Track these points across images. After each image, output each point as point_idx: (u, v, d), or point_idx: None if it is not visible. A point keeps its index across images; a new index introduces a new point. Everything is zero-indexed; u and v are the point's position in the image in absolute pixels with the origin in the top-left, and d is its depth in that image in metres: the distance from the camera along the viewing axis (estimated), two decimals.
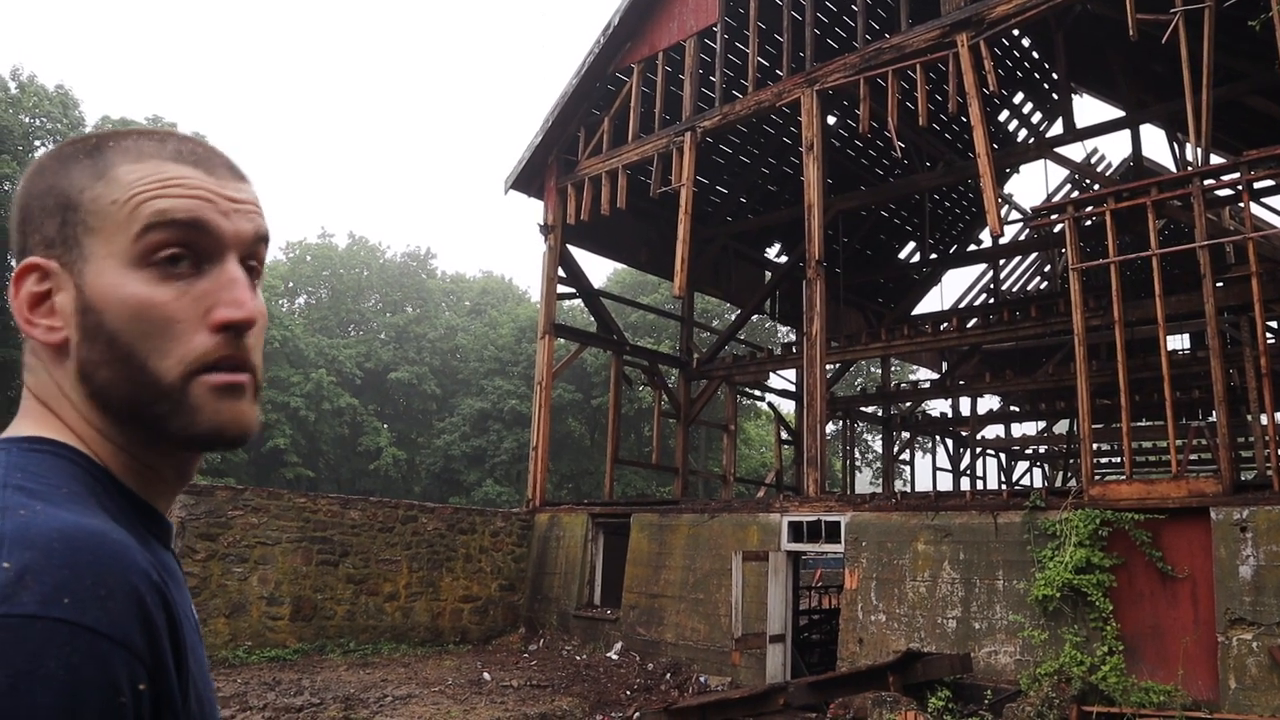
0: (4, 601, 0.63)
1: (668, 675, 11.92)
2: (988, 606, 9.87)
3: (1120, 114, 17.09)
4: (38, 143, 29.09)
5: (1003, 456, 28.09)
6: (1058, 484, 26.64)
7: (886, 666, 9.09)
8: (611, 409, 18.65)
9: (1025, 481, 29.52)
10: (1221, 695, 8.19)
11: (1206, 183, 9.60)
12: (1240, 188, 9.45)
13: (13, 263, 0.86)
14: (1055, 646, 9.14)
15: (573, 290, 18.16)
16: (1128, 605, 9.02)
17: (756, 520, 12.49)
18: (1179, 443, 9.64)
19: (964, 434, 25.19)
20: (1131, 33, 10.28)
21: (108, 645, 0.65)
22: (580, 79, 16.67)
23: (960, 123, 19.45)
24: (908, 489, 33.35)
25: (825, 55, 14.99)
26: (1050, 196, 21.90)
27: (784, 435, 22.09)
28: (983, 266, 24.69)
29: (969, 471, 25.54)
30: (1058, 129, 18.50)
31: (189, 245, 0.82)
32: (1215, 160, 11.72)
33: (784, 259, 22.44)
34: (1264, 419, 10.56)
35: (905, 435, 25.80)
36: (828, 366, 15.52)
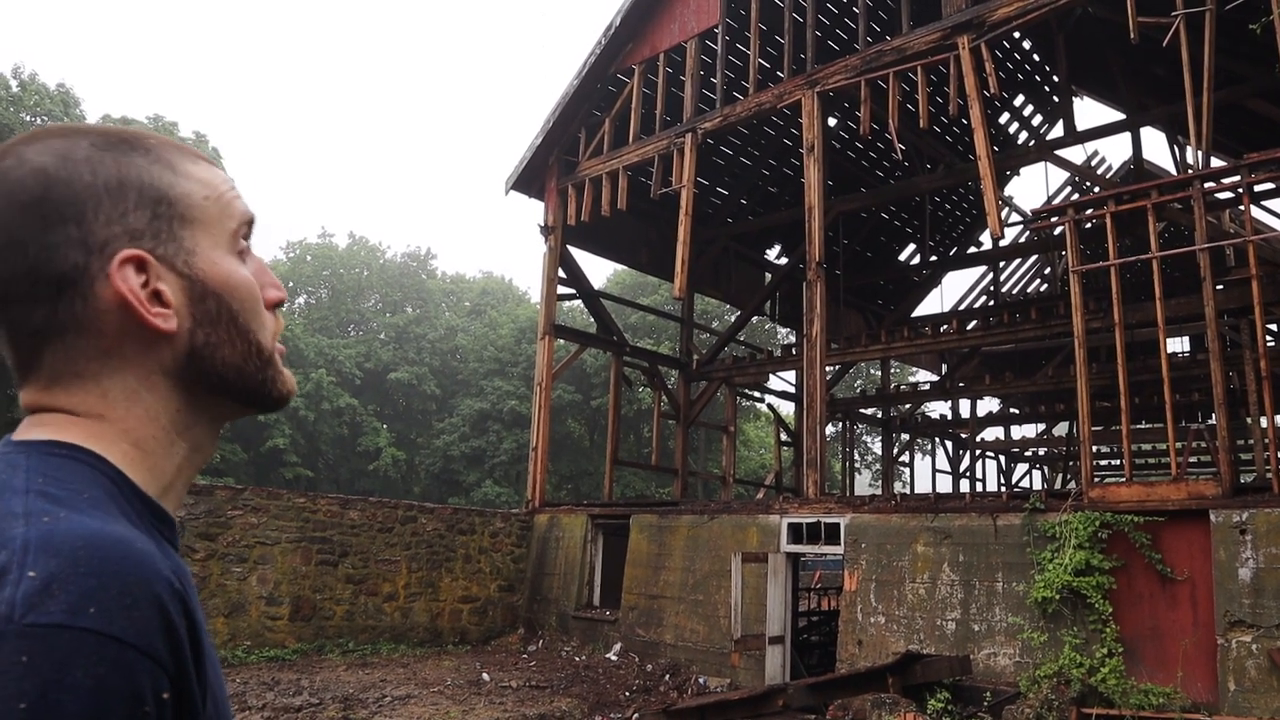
0: (31, 610, 0.63)
1: (667, 676, 11.91)
2: (987, 608, 9.87)
3: (1121, 117, 17.10)
4: None
5: (1002, 458, 28.10)
6: (1057, 486, 26.64)
7: (886, 668, 9.09)
8: (611, 410, 18.65)
9: (1025, 484, 29.53)
10: (1221, 697, 8.19)
11: (1207, 185, 9.61)
12: (1241, 191, 9.46)
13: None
14: (1055, 648, 9.14)
15: (573, 291, 18.17)
16: (1127, 607, 9.02)
17: (756, 522, 12.49)
18: (1179, 445, 9.64)
19: (963, 436, 25.19)
20: (1132, 36, 10.29)
21: (133, 655, 0.66)
22: (581, 80, 16.68)
23: (961, 125, 19.46)
24: (907, 491, 33.34)
25: (826, 57, 15.00)
26: (1050, 199, 21.93)
27: (783, 437, 22.08)
28: (983, 269, 24.71)
29: (969, 473, 25.55)
30: (1058, 131, 18.53)
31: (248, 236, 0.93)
32: (1216, 163, 11.73)
33: (784, 260, 22.44)
34: (1264, 422, 10.56)
35: (905, 437, 25.80)
36: (827, 368, 15.52)
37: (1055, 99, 19.56)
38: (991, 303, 22.90)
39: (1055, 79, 18.62)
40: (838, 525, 11.54)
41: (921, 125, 12.35)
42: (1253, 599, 8.18)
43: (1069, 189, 23.27)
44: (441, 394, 43.44)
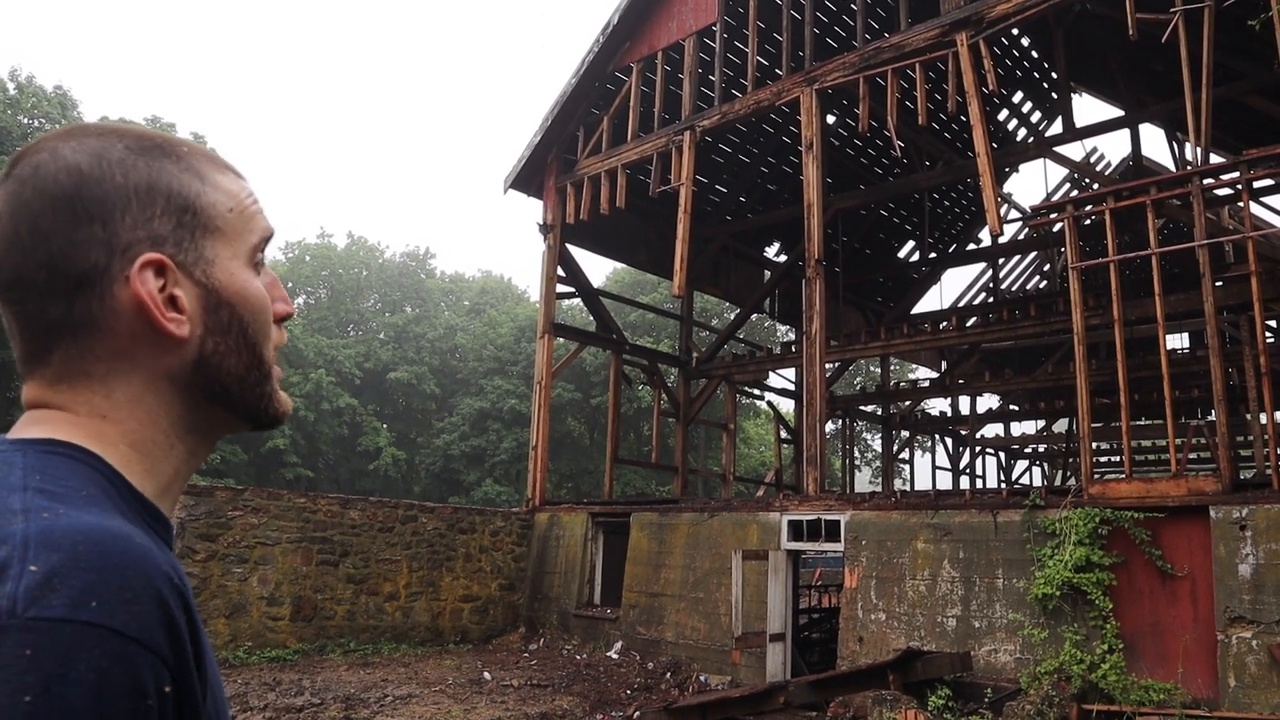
0: (33, 604, 0.64)
1: (668, 674, 11.92)
2: (987, 605, 9.88)
3: (1120, 113, 17.09)
4: None
5: (1002, 455, 28.11)
6: (1057, 483, 26.66)
7: (886, 665, 9.10)
8: (611, 408, 18.65)
9: (1025, 480, 29.55)
10: (1221, 693, 8.20)
11: (1206, 182, 9.61)
12: (1239, 187, 9.46)
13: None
14: (1055, 645, 9.15)
15: (572, 289, 18.16)
16: (1127, 604, 9.03)
17: (756, 519, 12.49)
18: (1178, 441, 9.65)
19: (963, 433, 25.21)
20: (1131, 32, 10.29)
21: (135, 648, 0.66)
22: (579, 78, 16.67)
23: (960, 122, 19.46)
24: (907, 488, 33.33)
25: (825, 54, 14.99)
26: (1050, 196, 21.93)
27: (783, 434, 22.09)
28: (982, 265, 24.71)
29: (968, 470, 25.57)
30: (1057, 128, 18.52)
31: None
32: (1214, 159, 11.72)
33: (783, 258, 22.44)
34: (1263, 418, 10.57)
35: (905, 434, 25.81)
36: (827, 365, 15.53)
37: (1054, 96, 19.55)
38: (991, 300, 22.89)
39: (1054, 75, 18.61)
40: (838, 522, 11.54)
41: (920, 122, 12.35)
42: (1253, 595, 8.19)
43: (1068, 186, 23.27)
44: (441, 393, 43.44)
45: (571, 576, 14.79)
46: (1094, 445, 12.04)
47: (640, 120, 16.05)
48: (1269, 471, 8.68)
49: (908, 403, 24.06)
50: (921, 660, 9.09)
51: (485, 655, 13.24)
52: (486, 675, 11.37)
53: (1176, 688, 8.34)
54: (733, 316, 24.24)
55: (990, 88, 11.61)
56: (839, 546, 11.52)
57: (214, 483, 20.66)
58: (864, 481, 41.85)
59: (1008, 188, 24.03)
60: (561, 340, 18.11)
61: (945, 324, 16.89)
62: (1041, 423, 26.55)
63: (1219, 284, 11.66)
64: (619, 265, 36.70)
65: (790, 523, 12.10)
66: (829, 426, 31.00)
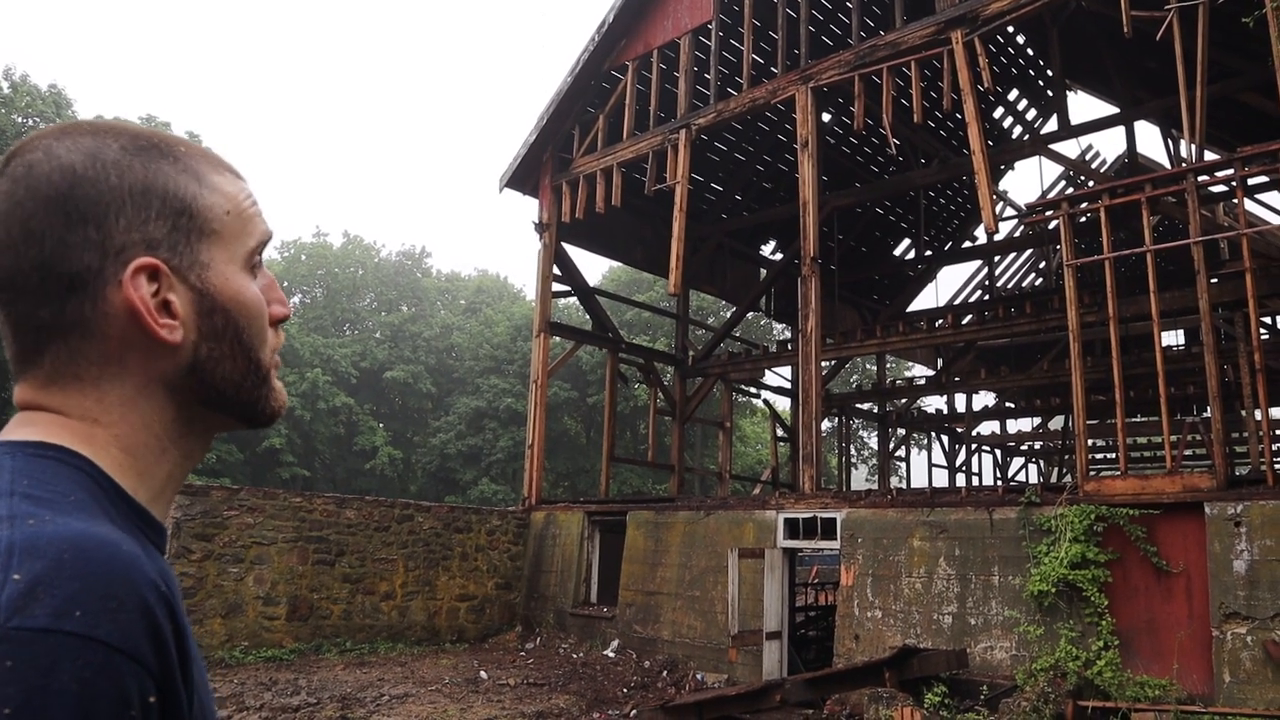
0: (16, 614, 0.63)
1: (664, 673, 11.93)
2: (983, 602, 9.89)
3: (1115, 110, 17.12)
4: None
5: (998, 452, 28.15)
6: (1053, 480, 26.70)
7: (883, 662, 9.11)
8: (607, 407, 18.65)
9: (1021, 477, 29.59)
10: (1216, 689, 8.22)
11: (1200, 179, 9.63)
12: (1234, 184, 9.48)
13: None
14: (1051, 642, 9.16)
15: (568, 288, 18.16)
16: (1123, 600, 9.05)
17: (752, 517, 12.50)
18: (1173, 438, 9.66)
19: (959, 430, 25.22)
20: (1126, 29, 10.30)
21: (119, 659, 0.65)
22: (575, 76, 16.66)
23: (955, 119, 19.46)
24: (903, 485, 33.37)
25: (820, 52, 15.00)
26: (1045, 193, 21.96)
27: (780, 432, 22.10)
28: (978, 263, 24.75)
29: (964, 467, 25.59)
30: (1052, 125, 18.53)
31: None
32: (1209, 157, 11.75)
33: (779, 256, 22.46)
34: (1258, 414, 10.60)
35: (901, 432, 25.84)
36: (823, 363, 15.53)
37: (1049, 93, 19.58)
38: (987, 297, 22.93)
39: (1049, 73, 18.63)
40: (834, 520, 11.55)
41: (916, 120, 12.36)
42: (1247, 591, 8.21)
43: (1063, 183, 23.30)
44: (437, 392, 43.41)
45: (568, 575, 14.78)
46: (1089, 442, 12.07)
47: (636, 119, 16.04)
48: (1263, 468, 8.70)
49: (904, 400, 24.09)
50: (918, 657, 9.10)
51: (482, 654, 13.24)
52: (483, 674, 11.37)
53: (1172, 684, 8.36)
54: (729, 315, 24.24)
55: (985, 85, 11.62)
56: (835, 544, 11.53)
57: (209, 482, 20.64)
58: (860, 479, 41.90)
59: (1003, 185, 24.07)
60: (558, 339, 18.10)
61: (941, 322, 16.91)
62: (1037, 420, 26.60)
63: (1214, 281, 11.68)
64: (615, 264, 36.67)
65: (786, 521, 12.10)
66: (825, 424, 31.03)
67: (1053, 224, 12.28)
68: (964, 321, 17.03)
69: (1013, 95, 20.24)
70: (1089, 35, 16.29)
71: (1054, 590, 9.17)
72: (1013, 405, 24.99)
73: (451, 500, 35.43)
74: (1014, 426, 27.51)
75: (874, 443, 37.75)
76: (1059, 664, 8.77)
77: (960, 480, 25.35)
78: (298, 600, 12.41)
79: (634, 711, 9.66)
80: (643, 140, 15.63)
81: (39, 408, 0.82)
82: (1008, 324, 15.70)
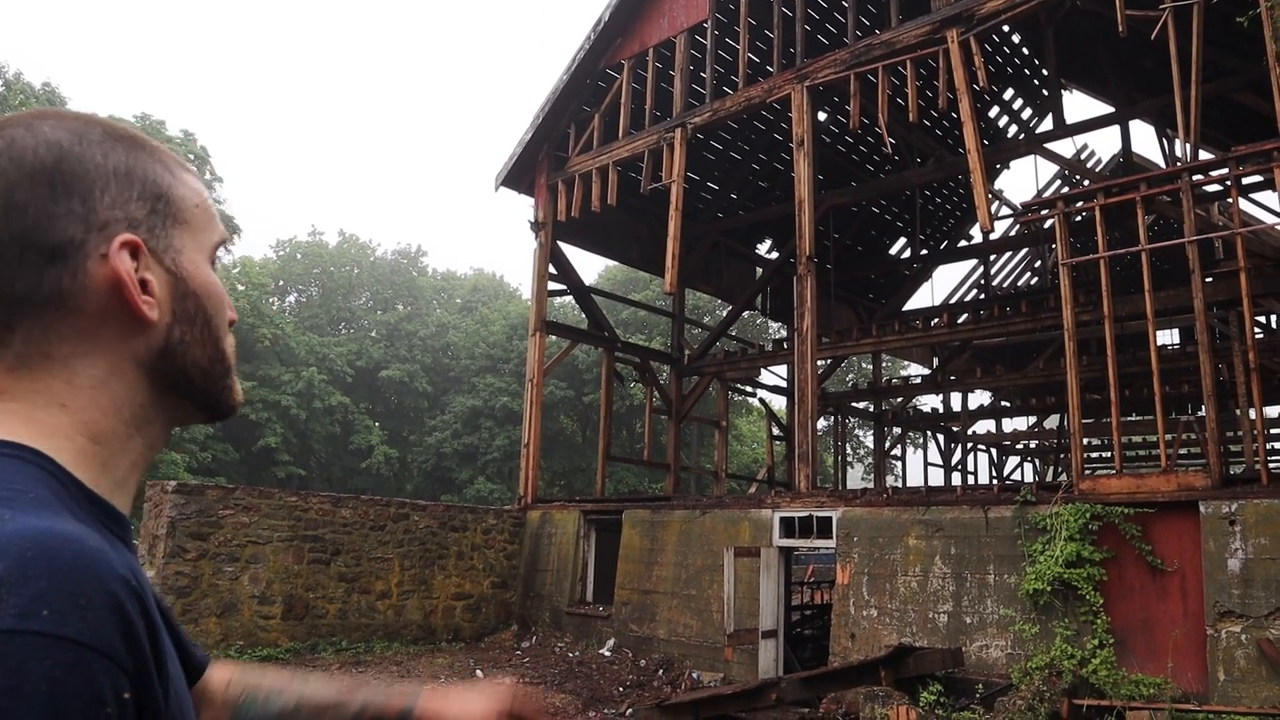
0: None
1: (660, 671, 11.93)
2: (979, 601, 9.91)
3: (1110, 110, 17.15)
4: None
5: (994, 451, 28.19)
6: (1048, 478, 26.75)
7: (878, 661, 9.11)
8: (603, 406, 18.64)
9: (1016, 476, 29.64)
10: (1210, 687, 8.24)
11: (1195, 178, 9.64)
12: (1229, 183, 9.50)
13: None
14: (1046, 640, 9.18)
15: (564, 287, 18.14)
16: (1118, 599, 9.07)
17: (748, 516, 12.51)
18: (1168, 437, 9.68)
19: (955, 429, 25.26)
20: (1121, 29, 10.32)
21: (90, 656, 0.64)
22: (571, 75, 16.64)
23: (951, 118, 19.46)
24: (899, 484, 33.45)
25: (816, 51, 14.99)
26: (1040, 192, 21.98)
27: (775, 431, 22.11)
28: (973, 262, 24.76)
29: (960, 466, 25.62)
30: (1048, 125, 18.57)
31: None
32: (1204, 156, 11.78)
33: (775, 255, 22.46)
34: (1252, 413, 10.63)
35: (896, 430, 25.88)
36: (819, 362, 15.53)
37: (1044, 92, 19.61)
38: (982, 296, 22.95)
39: (1044, 72, 18.66)
40: (830, 519, 11.56)
41: (911, 119, 12.36)
42: (1242, 589, 8.23)
43: (1059, 182, 23.33)
44: (433, 391, 43.36)
45: (564, 574, 14.78)
46: (1085, 441, 12.10)
47: (632, 117, 16.04)
48: (1258, 467, 8.72)
49: (899, 399, 24.12)
50: (913, 656, 9.11)
51: (478, 653, 13.23)
52: (479, 673, 11.36)
53: (1166, 682, 8.38)
54: (725, 314, 24.24)
55: (981, 84, 11.63)
56: (831, 543, 11.53)
57: (205, 481, 20.59)
58: (856, 478, 41.92)
59: (999, 184, 24.09)
60: (553, 338, 18.10)
61: (937, 320, 16.93)
62: (1033, 419, 26.63)
63: (1208, 280, 11.71)
64: (611, 263, 36.65)
65: (782, 519, 12.11)
66: (821, 423, 31.06)
67: (1048, 223, 12.30)
68: (959, 320, 17.06)
69: (1008, 94, 20.27)
70: (1084, 34, 16.31)
71: (1049, 589, 9.19)
72: (1008, 404, 25.02)
73: (447, 499, 35.39)
74: (1009, 425, 27.57)
75: (870, 441, 37.80)
76: (1054, 662, 8.79)
77: (956, 479, 25.39)
78: (293, 599, 12.39)
79: (630, 710, 9.66)
80: (638, 139, 15.62)
81: (3, 395, 0.80)
82: (1003, 323, 15.73)
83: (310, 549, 12.68)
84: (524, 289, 50.03)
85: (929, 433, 26.01)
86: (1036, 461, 29.59)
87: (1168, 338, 20.64)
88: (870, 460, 37.10)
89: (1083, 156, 22.68)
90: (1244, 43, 12.11)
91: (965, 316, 17.77)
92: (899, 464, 28.27)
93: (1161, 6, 10.00)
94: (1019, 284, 26.16)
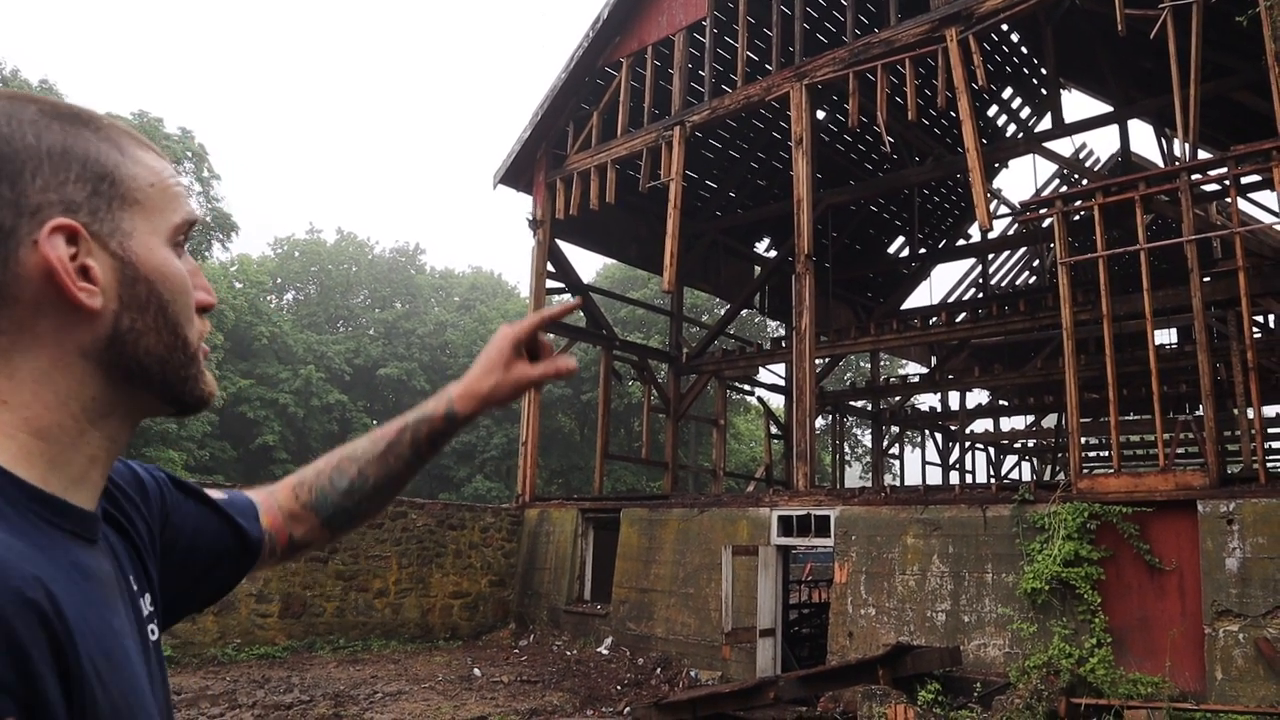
0: None
1: (658, 670, 11.93)
2: (977, 600, 9.91)
3: (1109, 109, 17.15)
4: None
5: (992, 450, 28.21)
6: (1046, 477, 26.77)
7: (876, 660, 9.11)
8: (601, 404, 18.63)
9: (1014, 475, 29.65)
10: (1208, 686, 8.24)
11: (1194, 178, 9.64)
12: (1227, 183, 9.50)
13: None
14: (1044, 639, 9.18)
15: (562, 285, 18.12)
16: (1116, 598, 9.07)
17: (746, 514, 12.50)
18: (1166, 436, 9.68)
19: (953, 428, 25.26)
20: (1120, 28, 10.31)
21: None
22: (569, 73, 16.62)
23: (949, 117, 19.45)
24: (897, 483, 33.45)
25: (814, 50, 14.98)
26: (1039, 191, 21.98)
27: (773, 430, 22.11)
28: (972, 261, 24.77)
29: (958, 465, 25.63)
30: (1046, 124, 18.56)
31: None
32: (1203, 155, 11.78)
33: (773, 254, 22.45)
34: (1250, 413, 10.63)
35: (894, 429, 25.87)
36: (817, 361, 15.54)
37: (1043, 91, 19.60)
38: (981, 295, 22.95)
39: (1043, 71, 18.65)
40: (828, 518, 11.55)
41: (910, 118, 12.36)
42: (1239, 589, 8.24)
43: (1057, 181, 23.33)
44: (432, 389, 42.95)
45: (562, 572, 14.77)
46: (1083, 440, 12.09)
47: (630, 115, 16.02)
48: (1256, 466, 8.72)
49: (897, 398, 24.11)
50: (911, 655, 9.11)
51: (475, 651, 13.22)
52: (476, 672, 11.35)
53: (1164, 681, 8.38)
54: (723, 312, 24.24)
55: (980, 83, 11.62)
56: (829, 542, 11.53)
57: (202, 480, 20.56)
58: (854, 477, 41.95)
59: (997, 183, 24.10)
60: (552, 336, 17.98)
61: (935, 319, 16.93)
62: (1031, 418, 26.63)
63: (1207, 279, 11.71)
64: (609, 261, 36.61)
65: (780, 518, 12.11)
66: (819, 422, 31.06)
67: (1047, 222, 12.30)
68: (958, 319, 17.05)
69: (1007, 93, 20.26)
70: (1083, 33, 16.31)
71: (1047, 588, 9.19)
72: (1006, 403, 25.02)
73: (445, 497, 35.38)
74: (1007, 424, 27.65)
75: (868, 440, 37.82)
76: (1052, 661, 8.79)
77: (954, 478, 25.40)
78: (290, 598, 12.38)
79: (628, 709, 9.65)
80: (637, 137, 15.61)
81: None
82: (1001, 322, 15.73)
83: None
84: (522, 287, 50.04)
85: (927, 431, 26.01)
86: (1034, 460, 29.60)
87: (1166, 337, 20.65)
88: (868, 459, 37.12)
89: (1081, 156, 22.69)
90: (1243, 42, 12.10)
91: (963, 315, 17.76)
92: (897, 463, 28.29)
93: (1161, 6, 9.99)
94: (1017, 283, 26.16)
